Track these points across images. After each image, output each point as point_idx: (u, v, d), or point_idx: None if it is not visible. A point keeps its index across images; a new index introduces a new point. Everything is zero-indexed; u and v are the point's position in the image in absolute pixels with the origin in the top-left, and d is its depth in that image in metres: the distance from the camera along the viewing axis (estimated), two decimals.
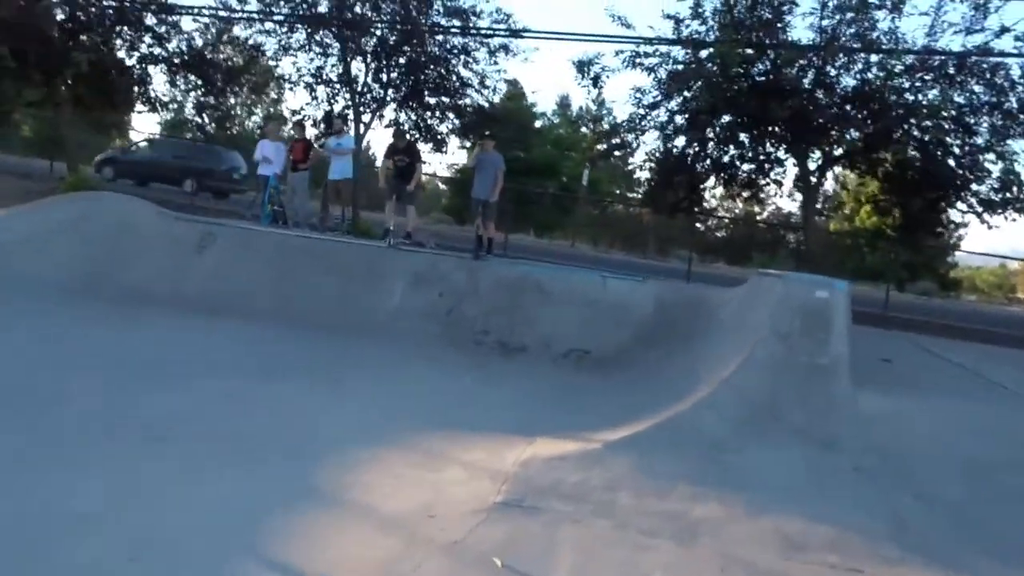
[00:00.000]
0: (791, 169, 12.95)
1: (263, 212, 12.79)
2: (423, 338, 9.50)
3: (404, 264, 10.82)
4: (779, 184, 13.09)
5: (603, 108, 27.22)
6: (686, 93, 11.36)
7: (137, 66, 14.34)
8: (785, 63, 10.61)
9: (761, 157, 12.76)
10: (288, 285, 10.51)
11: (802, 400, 5.90)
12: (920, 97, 11.33)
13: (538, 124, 40.33)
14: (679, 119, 12.00)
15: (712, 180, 13.44)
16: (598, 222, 38.63)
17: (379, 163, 11.85)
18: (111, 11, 13.30)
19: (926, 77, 11.19)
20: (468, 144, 14.96)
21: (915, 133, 11.56)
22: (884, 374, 7.82)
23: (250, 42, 14.09)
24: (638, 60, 11.50)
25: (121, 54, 13.85)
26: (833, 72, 11.47)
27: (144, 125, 65.36)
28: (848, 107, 11.43)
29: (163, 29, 14.74)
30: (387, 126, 14.66)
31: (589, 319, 9.89)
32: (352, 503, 4.25)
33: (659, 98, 11.89)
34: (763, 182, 13.19)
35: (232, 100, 24.59)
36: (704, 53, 10.94)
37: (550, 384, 7.82)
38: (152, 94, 15.36)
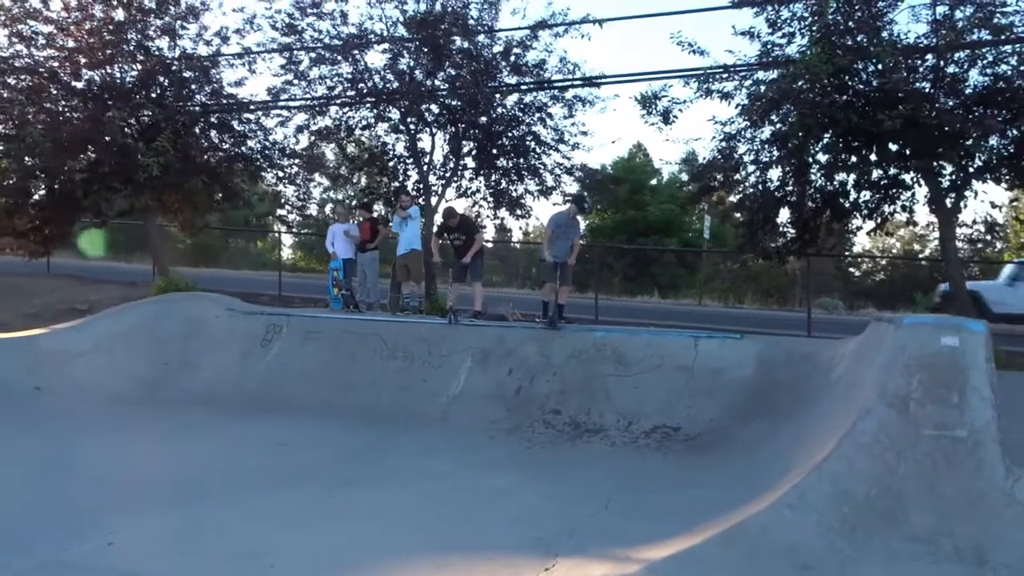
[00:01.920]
0: (922, 192, 11.00)
1: (331, 297, 12.41)
2: (484, 424, 8.46)
3: (470, 341, 9.92)
4: (909, 211, 11.13)
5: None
6: (773, 117, 9.88)
7: (219, 165, 14.64)
8: (888, 63, 8.93)
9: (883, 181, 10.91)
10: (348, 374, 9.90)
11: (930, 492, 4.30)
12: None
13: (654, 181, 38.98)
14: (771, 149, 10.49)
15: (829, 214, 11.65)
16: (728, 275, 36.28)
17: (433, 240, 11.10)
18: (181, 114, 13.64)
19: None
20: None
21: None
22: None
23: (319, 127, 14.00)
24: (712, 87, 10.20)
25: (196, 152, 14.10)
26: (954, 68, 9.65)
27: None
28: (981, 108, 9.51)
29: (243, 127, 15.07)
30: (459, 196, 14.03)
31: (678, 389, 8.51)
32: None
33: (744, 127, 10.47)
34: (889, 210, 11.26)
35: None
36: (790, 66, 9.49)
37: (617, 475, 6.48)
38: (239, 190, 15.69)
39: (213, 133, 15.18)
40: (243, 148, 15.27)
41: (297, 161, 15.61)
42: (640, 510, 5.37)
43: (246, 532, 4.83)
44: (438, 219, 12.71)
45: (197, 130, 14.72)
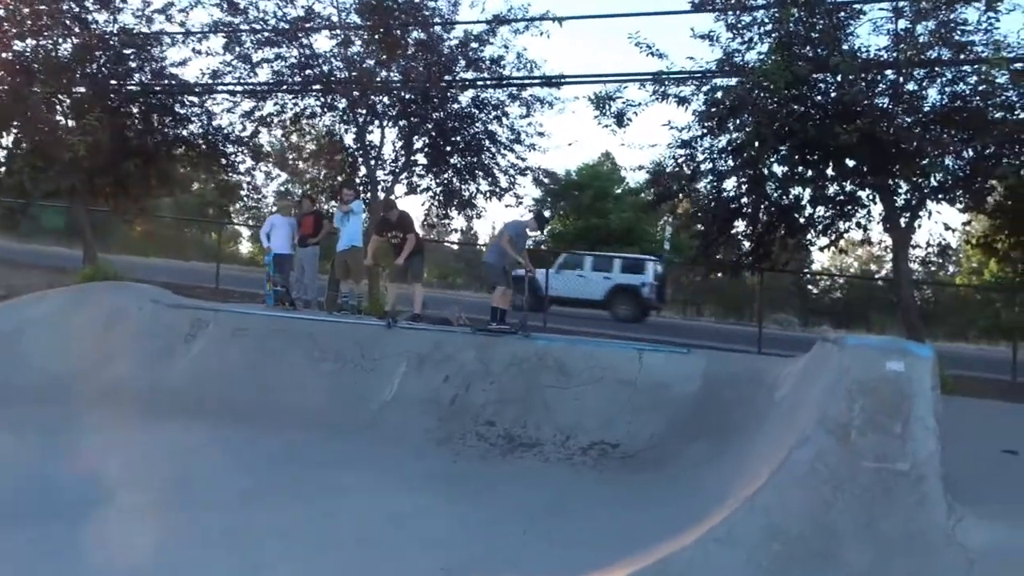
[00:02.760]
0: (877, 210, 10.86)
1: (265, 292, 11.86)
2: (414, 434, 8.01)
3: (406, 345, 9.47)
4: (863, 228, 11.00)
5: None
6: (729, 125, 9.65)
7: (157, 148, 13.96)
8: (847, 76, 8.73)
9: (839, 197, 10.76)
10: (274, 375, 9.35)
11: (868, 530, 4.01)
12: None
13: (618, 190, 38.79)
14: (727, 158, 10.26)
15: (784, 228, 11.46)
16: (690, 287, 36.22)
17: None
18: (115, 92, 12.95)
19: None
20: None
21: None
22: (1009, 477, 5.70)
23: (263, 113, 13.41)
24: (668, 91, 9.92)
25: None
26: (913, 86, 9.53)
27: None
28: (938, 127, 9.39)
29: (184, 111, 14.41)
30: (408, 192, 13.57)
31: (620, 403, 8.17)
32: None
33: (701, 133, 10.22)
34: (844, 227, 11.12)
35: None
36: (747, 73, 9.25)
37: (546, 495, 6.11)
38: (177, 176, 15.02)
39: (155, 116, 14.50)
40: (184, 132, 14.61)
41: (243, 149, 15.01)
42: (562, 536, 4.99)
43: (100, 557, 4.32)
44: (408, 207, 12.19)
45: (135, 111, 14.04)
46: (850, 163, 9.98)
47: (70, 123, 12.98)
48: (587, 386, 8.51)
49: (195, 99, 14.48)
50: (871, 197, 10.61)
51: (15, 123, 12.56)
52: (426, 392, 8.79)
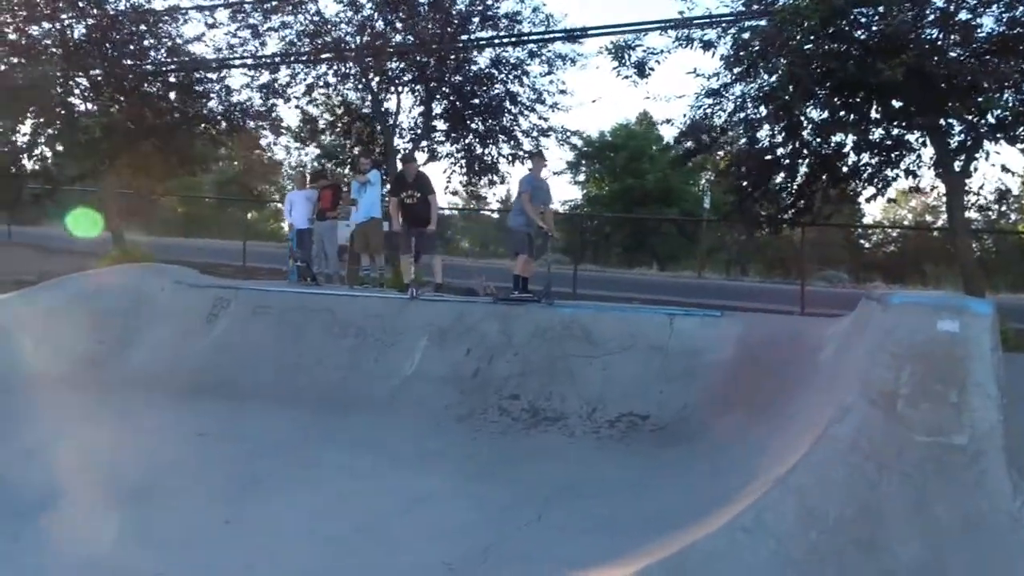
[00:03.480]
0: (928, 154, 10.06)
1: (288, 268, 11.63)
2: (434, 410, 7.69)
3: (428, 317, 9.12)
4: (913, 175, 10.19)
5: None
6: (760, 68, 8.91)
7: (175, 127, 13.74)
8: (890, 8, 7.93)
9: (885, 142, 9.97)
10: (294, 353, 9.10)
11: (919, 514, 3.52)
12: None
13: (655, 148, 37.69)
14: (759, 105, 9.54)
15: (826, 179, 10.71)
16: (735, 246, 35.05)
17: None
18: (129, 72, 12.70)
19: None
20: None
21: None
22: None
23: (277, 84, 13.06)
24: (692, 35, 9.21)
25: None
26: (966, 14, 8.66)
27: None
28: (994, 58, 8.54)
29: (202, 87, 14.16)
30: (428, 160, 13.13)
31: (650, 372, 7.71)
32: None
33: (729, 80, 9.51)
34: (891, 175, 10.34)
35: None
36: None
37: (568, 473, 5.72)
38: (198, 154, 14.83)
39: (172, 95, 14.28)
40: (204, 110, 14.37)
41: (263, 124, 14.75)
42: (581, 520, 4.61)
43: (89, 552, 4.08)
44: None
45: (154, 90, 13.83)
46: (896, 103, 9.18)
47: (89, 106, 12.79)
48: (615, 355, 8.06)
49: (212, 75, 14.22)
50: (921, 140, 9.80)
51: (32, 108, 12.40)
52: (447, 366, 8.45)
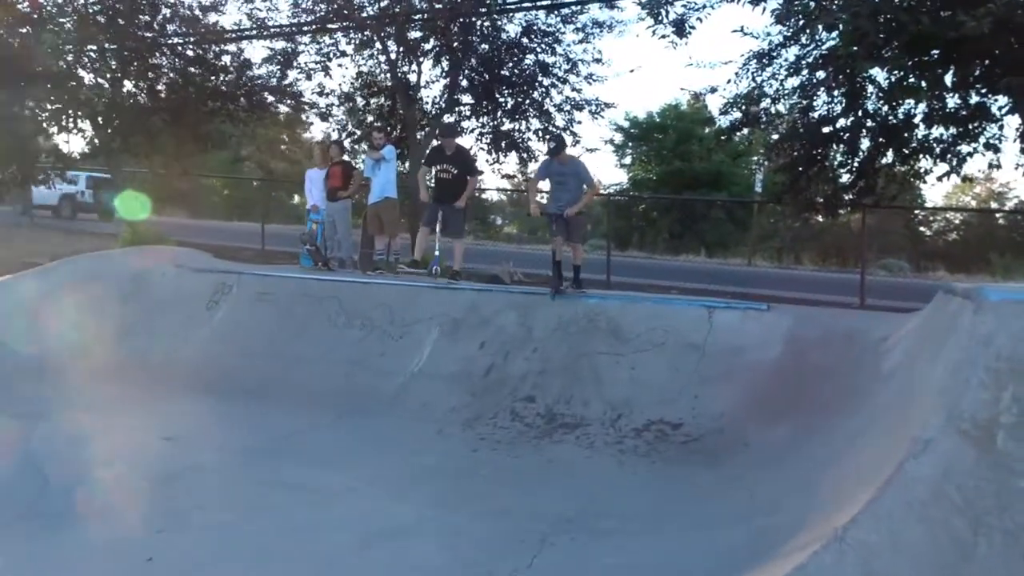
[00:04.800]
0: (1015, 123, 8.83)
1: (302, 252, 10.96)
2: (439, 413, 6.96)
3: (440, 307, 8.39)
4: (994, 149, 8.99)
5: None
6: (817, 24, 7.80)
7: (189, 103, 13.17)
8: None
9: (961, 112, 8.80)
10: (295, 345, 8.51)
11: None
12: None
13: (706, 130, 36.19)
14: (816, 67, 8.43)
15: (891, 154, 9.56)
16: (788, 234, 33.44)
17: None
18: (133, 41, 12.12)
19: None
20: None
21: None
22: None
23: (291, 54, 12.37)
24: None
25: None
26: None
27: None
28: None
29: (218, 61, 13.57)
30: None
31: (684, 373, 6.86)
32: None
33: (781, 39, 8.43)
34: (968, 150, 9.15)
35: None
36: None
37: (580, 496, 4.90)
38: (213, 132, 14.27)
39: (191, 69, 13.73)
40: (222, 85, 13.79)
41: (282, 98, 14.15)
42: (584, 566, 3.76)
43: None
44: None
45: (164, 63, 13.29)
46: (978, 64, 8.00)
47: (98, 80, 12.29)
48: (645, 352, 7.19)
49: (229, 48, 13.64)
50: (1006, 108, 8.59)
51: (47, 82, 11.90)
52: (458, 362, 7.69)
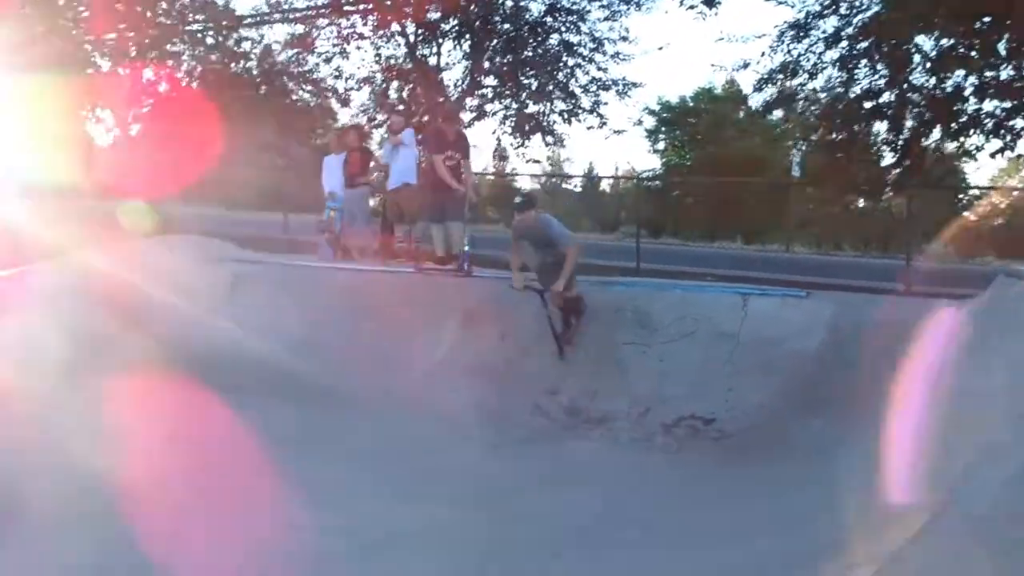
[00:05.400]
0: None
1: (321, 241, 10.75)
2: (457, 408, 6.66)
3: (460, 298, 8.11)
4: None
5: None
6: None
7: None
8: None
9: (1015, 82, 8.26)
10: (313, 337, 8.23)
11: None
12: None
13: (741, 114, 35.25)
14: (856, 39, 7.95)
15: (939, 130, 9.04)
16: (828, 221, 32.46)
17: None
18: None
19: None
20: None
21: None
22: None
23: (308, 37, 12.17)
24: None
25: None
26: None
27: None
28: None
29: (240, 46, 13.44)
30: (475, 119, 12.01)
31: (716, 365, 6.53)
32: None
33: (819, 8, 7.97)
34: (1022, 124, 8.61)
35: None
36: None
37: (600, 500, 4.58)
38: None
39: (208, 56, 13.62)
40: (243, 72, 13.68)
41: (305, 85, 14.00)
42: None
43: None
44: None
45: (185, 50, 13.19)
46: None
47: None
48: (675, 343, 6.85)
49: (251, 34, 13.50)
50: None
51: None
52: (478, 356, 7.41)
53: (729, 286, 7.84)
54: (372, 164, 10.43)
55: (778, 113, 9.99)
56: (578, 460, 5.46)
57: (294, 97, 14.31)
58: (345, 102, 13.08)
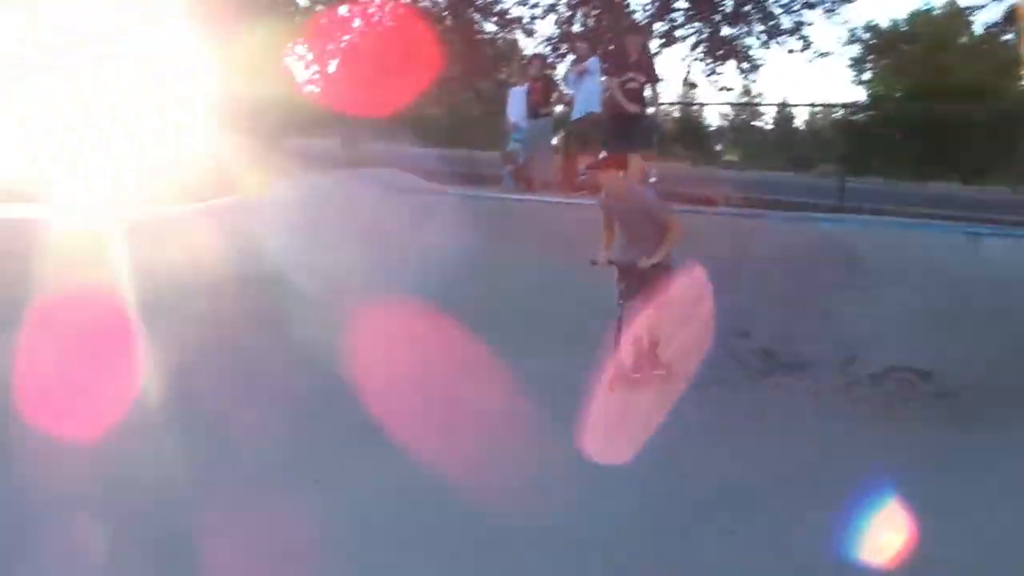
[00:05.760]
0: None
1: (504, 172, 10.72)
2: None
3: None
4: None
5: None
6: None
7: None
8: None
9: None
10: (498, 273, 8.17)
11: None
12: None
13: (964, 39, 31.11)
14: None
15: None
16: None
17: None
18: None
19: None
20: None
21: None
22: None
23: None
24: None
25: None
26: None
27: None
28: None
29: None
30: (663, 44, 11.35)
31: (936, 312, 5.78)
32: None
33: None
34: None
35: None
36: None
37: (791, 458, 4.25)
38: None
39: None
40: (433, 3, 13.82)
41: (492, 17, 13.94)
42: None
43: None
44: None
45: None
46: None
47: None
48: (888, 287, 6.18)
49: None
50: None
51: None
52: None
53: (953, 225, 6.96)
54: (554, 95, 10.19)
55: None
56: (767, 412, 5.11)
57: (480, 30, 14.23)
58: (530, 32, 12.87)
